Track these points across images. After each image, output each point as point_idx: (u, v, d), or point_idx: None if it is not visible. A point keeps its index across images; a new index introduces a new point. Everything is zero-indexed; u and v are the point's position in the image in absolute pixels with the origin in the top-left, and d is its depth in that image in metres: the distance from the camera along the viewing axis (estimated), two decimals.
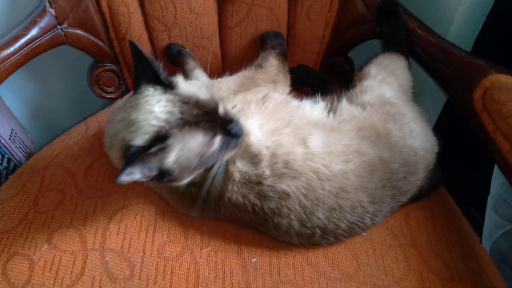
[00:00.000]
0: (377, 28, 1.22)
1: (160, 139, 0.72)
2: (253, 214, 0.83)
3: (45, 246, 0.87)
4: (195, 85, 0.80)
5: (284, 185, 0.81)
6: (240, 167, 0.82)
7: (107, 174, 1.02)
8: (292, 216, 0.81)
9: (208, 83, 1.01)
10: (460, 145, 1.34)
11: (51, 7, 1.16)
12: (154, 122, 0.73)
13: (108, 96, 1.37)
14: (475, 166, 1.53)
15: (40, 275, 0.83)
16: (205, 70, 1.28)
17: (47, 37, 1.17)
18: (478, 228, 1.45)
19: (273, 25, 1.24)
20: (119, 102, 0.87)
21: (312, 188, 0.81)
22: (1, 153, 1.42)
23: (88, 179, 1.01)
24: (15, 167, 1.48)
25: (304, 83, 1.33)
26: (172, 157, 0.72)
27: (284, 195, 0.81)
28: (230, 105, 0.90)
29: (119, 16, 1.20)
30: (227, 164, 0.81)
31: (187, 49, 1.23)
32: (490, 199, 1.25)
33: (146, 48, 1.27)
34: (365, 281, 0.84)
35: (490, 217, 1.24)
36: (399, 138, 0.89)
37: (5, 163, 1.43)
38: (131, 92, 0.81)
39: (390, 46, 1.14)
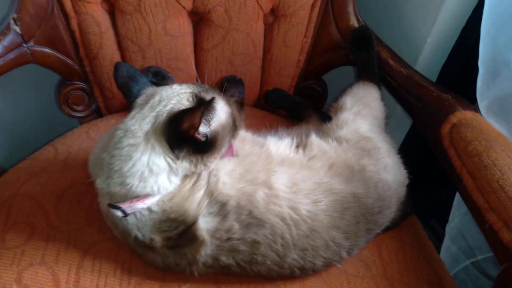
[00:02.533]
0: (350, 55, 1.26)
1: (200, 99, 0.77)
2: (230, 270, 0.83)
3: (14, 286, 0.83)
4: None
5: (252, 234, 0.80)
6: (210, 223, 0.79)
7: (79, 205, 0.98)
8: (268, 262, 0.82)
9: None
10: (424, 163, 1.40)
11: (16, 25, 1.10)
12: (183, 91, 0.79)
13: (77, 115, 1.32)
14: (438, 183, 1.61)
15: None
16: None
17: (12, 56, 1.11)
18: (441, 240, 1.54)
19: (250, 49, 1.24)
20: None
21: (278, 234, 0.80)
22: None
23: (59, 210, 0.97)
24: None
25: (279, 107, 1.35)
26: (216, 119, 0.78)
27: (255, 243, 0.80)
28: None
29: (90, 35, 1.16)
30: (194, 228, 0.79)
31: (170, 74, 1.21)
32: (448, 229, 1.31)
33: None
34: None
35: (448, 247, 1.31)
36: (374, 173, 0.92)
37: None
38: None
39: (364, 74, 1.17)
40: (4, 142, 1.59)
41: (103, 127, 1.22)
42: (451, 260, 1.33)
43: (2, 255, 0.88)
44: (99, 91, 1.28)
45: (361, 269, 0.94)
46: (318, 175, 0.87)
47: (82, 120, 1.34)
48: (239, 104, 1.10)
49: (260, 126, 1.19)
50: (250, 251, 0.80)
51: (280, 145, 0.94)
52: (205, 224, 0.79)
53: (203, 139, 0.76)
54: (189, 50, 1.23)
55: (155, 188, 0.76)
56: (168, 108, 0.76)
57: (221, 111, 0.80)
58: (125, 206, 0.76)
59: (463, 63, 1.31)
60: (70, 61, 1.22)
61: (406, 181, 1.00)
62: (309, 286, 0.89)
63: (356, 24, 1.23)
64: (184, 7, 1.15)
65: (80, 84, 1.27)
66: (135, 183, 0.75)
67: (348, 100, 1.04)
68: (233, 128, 0.83)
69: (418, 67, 1.29)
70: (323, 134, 0.99)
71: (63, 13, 1.13)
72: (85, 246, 0.90)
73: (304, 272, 0.85)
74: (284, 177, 0.84)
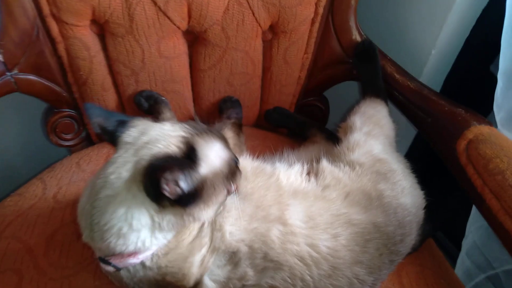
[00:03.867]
0: (353, 70, 1.21)
1: (188, 146, 0.67)
2: None
3: None
4: None
5: (268, 279, 0.72)
6: (219, 276, 0.72)
7: (72, 246, 0.90)
8: None
9: None
10: (429, 174, 1.35)
11: None
12: (175, 133, 0.68)
13: (66, 144, 1.24)
14: (444, 194, 1.57)
15: None
16: (176, 115, 1.20)
17: None
18: (448, 253, 1.48)
19: (249, 68, 1.18)
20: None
21: (298, 276, 0.73)
22: None
23: (49, 254, 0.88)
24: None
25: (281, 126, 1.29)
26: (206, 167, 0.67)
27: None
28: None
29: (79, 60, 1.09)
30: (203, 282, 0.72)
31: (164, 98, 1.14)
32: (465, 243, 1.26)
33: (110, 94, 1.16)
34: None
35: (463, 261, 1.26)
36: (392, 198, 0.86)
37: None
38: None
39: (370, 90, 1.12)
40: None
41: (94, 156, 1.14)
42: (465, 275, 1.28)
43: None
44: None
45: None
46: (335, 206, 0.81)
47: (71, 149, 1.26)
48: (237, 127, 1.04)
49: (263, 148, 1.12)
50: None
51: (290, 173, 0.87)
52: (212, 280, 0.71)
53: (179, 193, 0.63)
54: (185, 71, 1.17)
55: (140, 245, 0.67)
56: (152, 152, 0.66)
57: (215, 157, 0.70)
58: (115, 261, 0.69)
59: (467, 74, 1.28)
60: (57, 88, 1.14)
61: (424, 203, 0.94)
62: None
63: (358, 38, 1.18)
64: (179, 27, 1.09)
65: (68, 111, 1.20)
66: (112, 240, 0.66)
67: (357, 120, 0.98)
68: (231, 174, 0.72)
69: (422, 79, 1.25)
70: (334, 158, 0.93)
71: (49, 38, 1.06)
72: None
73: None
74: (299, 211, 0.78)
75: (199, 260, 0.71)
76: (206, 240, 0.72)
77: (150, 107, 1.13)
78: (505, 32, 0.94)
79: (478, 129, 0.94)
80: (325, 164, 0.90)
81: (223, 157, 0.71)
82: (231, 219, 0.74)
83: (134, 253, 0.68)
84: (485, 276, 1.18)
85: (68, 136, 1.23)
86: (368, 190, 0.85)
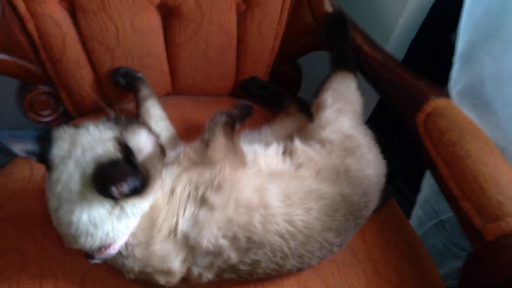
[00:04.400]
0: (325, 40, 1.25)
1: (125, 146, 0.74)
2: (232, 280, 0.87)
3: None
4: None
5: (252, 255, 0.83)
6: (203, 263, 0.82)
7: None
8: (268, 271, 0.86)
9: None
10: (390, 130, 1.46)
11: None
12: (105, 136, 0.75)
13: (45, 120, 1.25)
14: (405, 148, 1.71)
15: None
16: (153, 88, 1.22)
17: None
18: (407, 200, 1.67)
19: (224, 40, 1.20)
20: None
21: (278, 250, 0.84)
22: None
23: (48, 233, 0.94)
24: None
25: (256, 96, 1.34)
26: (143, 154, 0.76)
27: (255, 262, 0.84)
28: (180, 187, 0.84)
29: (51, 38, 1.07)
30: (188, 269, 0.82)
31: (140, 74, 1.15)
32: (419, 197, 1.43)
33: (85, 71, 1.16)
34: None
35: (416, 213, 1.44)
36: (358, 170, 0.95)
37: None
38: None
39: (340, 63, 1.17)
40: None
41: None
42: (417, 224, 1.47)
43: None
44: (66, 94, 1.21)
45: (349, 257, 1.02)
46: (307, 183, 0.90)
47: (50, 125, 1.27)
48: (229, 128, 0.97)
49: None
50: (250, 268, 0.85)
51: (267, 154, 0.95)
52: (198, 266, 0.82)
53: (128, 193, 0.72)
54: (160, 46, 1.18)
55: (106, 238, 0.76)
56: (94, 159, 0.72)
57: (145, 143, 0.78)
58: (98, 255, 0.78)
59: (429, 42, 1.35)
60: (31, 65, 1.13)
61: (386, 171, 1.05)
62: (303, 279, 0.96)
63: (330, 9, 1.21)
64: (151, 2, 1.08)
65: (44, 88, 1.19)
66: (83, 240, 0.75)
67: (329, 97, 1.05)
68: (161, 151, 0.82)
69: (388, 47, 1.32)
70: (306, 136, 1.01)
71: (16, 16, 1.03)
72: (83, 269, 0.90)
73: (300, 270, 0.91)
74: (277, 192, 0.86)
75: (179, 262, 0.81)
76: (182, 248, 0.81)
77: (127, 84, 1.15)
78: (464, 16, 1.00)
79: (436, 103, 1.04)
80: (297, 144, 0.98)
81: (151, 141, 0.80)
82: (207, 231, 0.81)
83: (108, 246, 0.77)
84: (432, 224, 1.37)
85: (46, 113, 1.23)
86: (337, 165, 0.94)
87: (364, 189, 0.96)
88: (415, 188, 1.52)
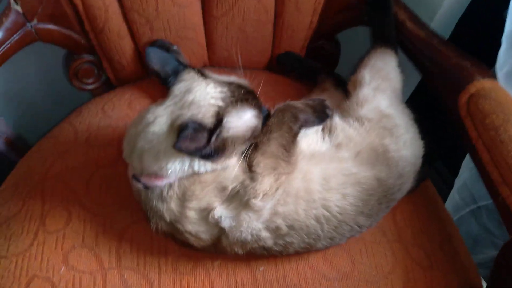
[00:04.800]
0: (365, 15, 1.21)
1: (220, 119, 0.78)
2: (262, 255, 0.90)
3: (63, 267, 0.91)
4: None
5: (287, 238, 0.85)
6: (238, 243, 0.85)
7: (109, 187, 1.02)
8: (299, 250, 0.88)
9: None
10: (432, 110, 1.41)
11: (17, 4, 1.05)
12: (213, 102, 0.79)
13: (88, 88, 1.32)
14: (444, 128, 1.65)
15: None
16: (190, 60, 1.24)
17: (17, 37, 1.08)
18: (446, 182, 1.62)
19: (261, 15, 1.19)
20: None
21: (312, 233, 0.85)
22: None
23: (90, 194, 1.01)
24: None
25: (292, 70, 1.33)
26: (229, 132, 0.79)
27: (289, 244, 0.86)
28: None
29: (94, 9, 1.11)
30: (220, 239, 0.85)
31: (175, 46, 1.18)
32: (457, 181, 1.38)
33: (126, 41, 1.20)
34: (359, 278, 0.95)
35: (453, 197, 1.39)
36: (395, 151, 0.93)
37: None
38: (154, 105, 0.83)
39: (380, 39, 1.14)
40: (14, 111, 1.59)
41: (117, 102, 1.22)
42: (453, 209, 1.43)
43: (46, 238, 0.94)
44: (107, 63, 1.26)
45: (378, 235, 1.01)
46: (347, 165, 0.89)
47: (93, 92, 1.33)
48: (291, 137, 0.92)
49: (275, 95, 1.19)
50: (283, 248, 0.87)
51: (307, 134, 0.93)
52: (229, 241, 0.85)
53: (200, 154, 0.77)
54: (198, 18, 1.19)
55: (167, 169, 0.80)
56: (189, 115, 0.78)
57: (241, 125, 0.81)
58: (144, 180, 0.83)
59: (479, 19, 1.27)
60: (75, 35, 1.18)
61: (423, 151, 1.03)
62: (330, 255, 0.97)
63: None
64: None
65: (88, 57, 1.25)
66: (146, 159, 0.80)
67: (367, 74, 1.02)
68: (253, 136, 0.84)
69: (434, 23, 1.25)
70: (343, 112, 0.99)
71: None
72: (121, 227, 0.96)
73: (328, 248, 0.93)
74: (318, 175, 0.86)
75: (209, 235, 0.85)
76: (213, 227, 0.84)
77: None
78: None
79: (481, 84, 0.99)
80: (337, 120, 0.96)
81: (250, 125, 0.82)
82: (246, 229, 0.83)
83: (159, 177, 0.81)
84: (468, 209, 1.33)
85: (89, 81, 1.30)
86: (375, 146, 0.92)
87: (400, 171, 0.94)
88: (455, 171, 1.47)
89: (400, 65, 1.11)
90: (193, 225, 0.84)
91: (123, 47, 1.21)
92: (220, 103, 0.79)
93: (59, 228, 0.96)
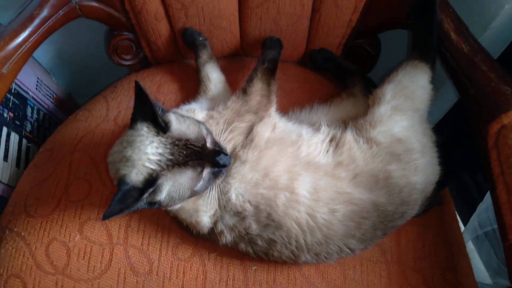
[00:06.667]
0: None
1: (152, 180, 0.79)
2: (248, 254, 0.93)
3: (78, 235, 1.01)
4: (186, 122, 0.84)
5: (269, 233, 0.87)
6: (229, 221, 0.88)
7: None
8: (283, 257, 0.90)
9: (207, 116, 0.98)
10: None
11: None
12: (147, 164, 0.79)
13: (126, 63, 1.38)
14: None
15: (76, 262, 0.99)
16: (222, 48, 1.25)
17: (62, 12, 1.14)
18: (471, 196, 1.53)
19: (297, 8, 1.15)
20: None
21: (293, 238, 0.86)
22: (31, 106, 1.50)
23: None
24: (45, 116, 1.58)
25: (324, 68, 1.29)
26: (163, 195, 0.81)
27: (272, 241, 0.88)
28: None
29: None
30: (215, 222, 0.89)
31: (202, 38, 1.19)
32: (480, 207, 1.30)
33: (162, 24, 1.22)
34: None
35: (473, 220, 1.32)
36: (401, 178, 0.90)
37: (35, 115, 1.52)
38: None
39: (418, 48, 1.06)
40: (66, 71, 1.72)
41: (148, 83, 1.27)
42: (469, 232, 1.37)
43: (67, 206, 1.05)
44: (145, 42, 1.30)
45: (376, 254, 1.01)
46: (341, 184, 0.88)
47: (131, 68, 1.39)
48: (269, 74, 1.04)
49: (301, 93, 1.18)
50: (267, 246, 0.89)
51: (311, 143, 0.93)
52: (227, 219, 0.89)
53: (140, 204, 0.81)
54: (233, 7, 1.18)
55: None
56: (122, 172, 0.81)
57: (178, 187, 0.81)
58: None
59: None
60: (116, 13, 1.23)
61: (437, 177, 0.98)
62: (323, 266, 0.99)
63: None
64: None
65: (127, 34, 1.30)
66: None
67: (389, 91, 0.97)
68: (193, 195, 0.85)
69: (485, 37, 1.13)
70: (357, 130, 0.96)
71: None
72: None
73: (317, 263, 0.94)
74: (308, 182, 0.87)
75: (209, 217, 0.89)
76: (213, 202, 0.87)
77: (191, 44, 1.22)
78: None
79: None
80: (348, 136, 0.94)
81: (188, 186, 0.82)
82: (236, 184, 0.87)
83: None
84: (482, 232, 1.26)
85: (128, 57, 1.35)
86: (377, 172, 0.90)
87: (404, 198, 0.91)
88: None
89: (439, 81, 1.04)
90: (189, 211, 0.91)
91: (160, 29, 1.24)
92: (154, 167, 0.79)
93: (79, 199, 1.06)
